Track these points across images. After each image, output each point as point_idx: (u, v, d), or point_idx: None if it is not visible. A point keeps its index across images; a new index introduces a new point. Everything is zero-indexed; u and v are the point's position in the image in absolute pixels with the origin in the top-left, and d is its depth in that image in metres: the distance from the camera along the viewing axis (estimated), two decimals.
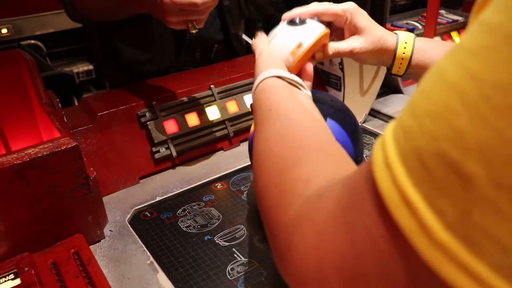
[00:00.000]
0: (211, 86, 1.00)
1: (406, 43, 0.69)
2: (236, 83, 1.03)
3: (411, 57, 0.69)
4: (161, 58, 1.12)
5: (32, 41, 2.59)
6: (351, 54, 0.70)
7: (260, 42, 0.65)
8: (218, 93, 1.00)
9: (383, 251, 0.23)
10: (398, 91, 1.31)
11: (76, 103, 1.91)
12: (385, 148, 0.23)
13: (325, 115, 0.72)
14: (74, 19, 1.10)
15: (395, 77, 0.74)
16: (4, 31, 2.69)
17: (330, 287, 0.26)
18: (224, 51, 1.22)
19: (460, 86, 0.19)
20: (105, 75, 1.26)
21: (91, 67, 2.98)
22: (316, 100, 0.75)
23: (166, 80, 1.03)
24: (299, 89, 0.55)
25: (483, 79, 0.19)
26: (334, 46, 0.69)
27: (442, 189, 0.19)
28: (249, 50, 1.30)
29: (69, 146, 0.66)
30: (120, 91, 1.01)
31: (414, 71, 0.70)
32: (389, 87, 1.32)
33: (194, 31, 0.82)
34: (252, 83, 1.01)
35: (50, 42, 2.88)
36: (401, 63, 0.69)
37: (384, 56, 0.70)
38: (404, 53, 0.69)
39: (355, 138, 0.73)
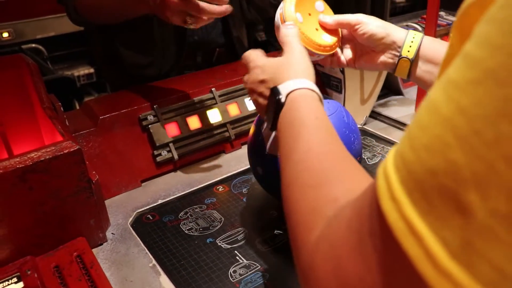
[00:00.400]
0: (212, 89, 1.00)
1: (413, 37, 0.70)
2: (237, 86, 1.03)
3: (418, 48, 0.70)
4: (163, 61, 1.13)
5: (33, 45, 2.60)
6: (358, 30, 0.73)
7: (293, 38, 0.64)
8: (219, 96, 1.00)
9: (395, 276, 0.24)
10: (399, 92, 1.32)
11: (78, 107, 1.91)
12: (388, 178, 0.24)
13: None
14: (75, 22, 1.10)
15: (398, 76, 0.75)
16: (5, 35, 2.70)
17: None
18: (226, 55, 1.23)
19: (452, 120, 0.21)
20: (106, 78, 1.27)
21: (92, 70, 2.99)
22: None
23: (167, 83, 1.04)
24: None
25: (471, 113, 0.20)
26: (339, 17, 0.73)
27: (445, 220, 0.21)
28: None
29: (71, 149, 0.66)
30: (122, 95, 1.01)
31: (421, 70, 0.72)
32: (390, 89, 1.33)
33: (191, 27, 0.83)
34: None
35: (51, 46, 2.89)
36: (408, 51, 0.71)
37: (390, 48, 0.71)
38: (412, 41, 0.70)
39: (351, 141, 0.73)
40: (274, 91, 0.55)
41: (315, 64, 1.15)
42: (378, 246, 0.25)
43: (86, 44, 3.03)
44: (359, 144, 0.76)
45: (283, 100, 0.53)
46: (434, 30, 1.21)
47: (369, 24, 0.73)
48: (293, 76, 0.55)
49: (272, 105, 0.55)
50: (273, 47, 2.52)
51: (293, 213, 0.38)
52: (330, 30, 0.74)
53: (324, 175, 0.38)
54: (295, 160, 0.43)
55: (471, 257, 0.20)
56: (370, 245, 0.25)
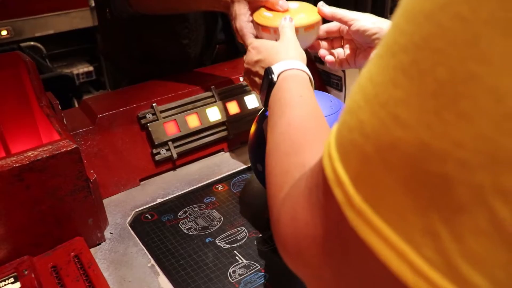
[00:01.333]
0: (212, 87, 1.00)
1: None
2: (237, 84, 1.03)
3: None
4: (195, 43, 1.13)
5: (32, 43, 2.59)
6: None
7: (288, 28, 0.72)
8: (219, 94, 0.99)
9: (329, 218, 0.28)
10: None
11: (76, 105, 1.90)
12: (329, 138, 0.28)
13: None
14: (119, 13, 1.06)
15: None
16: (4, 33, 2.69)
17: (304, 255, 0.31)
18: (226, 51, 1.22)
19: (364, 86, 0.24)
20: (123, 72, 1.23)
21: (91, 68, 2.99)
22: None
23: (166, 81, 1.03)
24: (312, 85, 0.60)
25: (375, 80, 0.24)
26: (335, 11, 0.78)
27: (355, 166, 0.25)
28: None
29: (69, 148, 0.65)
30: (120, 93, 1.00)
31: None
32: None
33: None
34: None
35: (50, 44, 2.88)
36: None
37: None
38: None
39: None
40: (268, 71, 0.60)
41: (315, 61, 1.15)
42: (320, 195, 0.29)
43: (85, 42, 3.03)
44: None
45: (275, 79, 0.59)
46: None
47: (362, 20, 0.75)
48: (286, 58, 0.62)
49: (266, 83, 0.61)
50: None
51: (269, 177, 0.43)
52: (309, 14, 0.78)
53: (298, 144, 0.44)
54: (276, 133, 0.48)
55: (377, 200, 0.23)
56: (315, 195, 0.30)
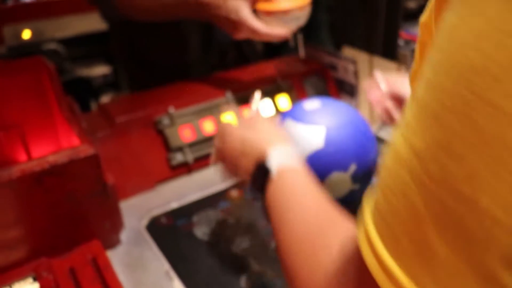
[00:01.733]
0: (227, 92, 1.01)
1: None
2: (252, 90, 1.03)
3: None
4: (188, 57, 1.16)
5: (52, 46, 2.63)
6: None
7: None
8: (234, 99, 1.01)
9: None
10: None
11: (94, 107, 1.93)
12: (365, 221, 0.26)
13: (339, 126, 0.72)
14: (108, 19, 1.11)
15: None
16: (26, 34, 2.75)
17: None
18: (236, 57, 1.24)
19: (408, 161, 0.22)
20: (127, 76, 1.29)
21: (109, 70, 3.02)
22: (330, 109, 0.76)
23: (182, 86, 1.04)
24: None
25: (422, 154, 0.21)
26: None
27: (412, 259, 0.22)
28: (261, 55, 1.32)
29: (88, 154, 0.67)
30: (137, 97, 1.02)
31: None
32: None
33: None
34: (267, 91, 1.02)
35: (70, 45, 2.92)
36: None
37: None
38: None
39: (367, 150, 0.73)
40: (262, 167, 0.57)
41: (329, 69, 1.15)
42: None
43: (104, 43, 3.07)
44: (375, 152, 0.75)
45: (274, 174, 0.55)
46: None
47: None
48: (274, 144, 0.59)
49: (260, 177, 0.57)
50: (285, 50, 2.52)
51: (290, 259, 0.42)
52: None
53: (319, 226, 0.43)
54: (286, 232, 0.46)
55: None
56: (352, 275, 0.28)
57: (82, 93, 1.80)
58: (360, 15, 1.18)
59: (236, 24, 0.92)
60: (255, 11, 0.93)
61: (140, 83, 1.25)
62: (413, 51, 1.22)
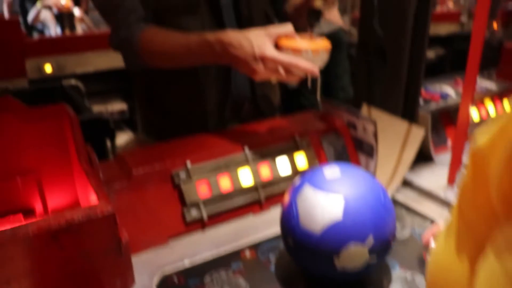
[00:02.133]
0: (245, 148, 1.01)
1: None
2: (270, 147, 1.04)
3: None
4: (205, 108, 1.17)
5: (73, 82, 2.69)
6: None
7: None
8: (252, 156, 1.01)
9: None
10: (429, 158, 1.29)
11: (110, 146, 1.95)
12: None
13: (358, 197, 0.71)
14: (131, 67, 1.14)
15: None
16: (48, 68, 2.82)
17: None
18: (253, 110, 1.25)
19: None
20: (143, 120, 1.31)
21: (125, 107, 3.07)
22: (350, 178, 0.75)
23: (200, 139, 1.05)
24: None
25: None
26: None
27: None
28: (278, 110, 1.34)
29: (106, 213, 0.67)
30: (155, 148, 1.03)
31: None
32: (420, 155, 1.30)
33: (275, 82, 0.91)
34: (285, 148, 1.02)
35: (89, 81, 2.99)
36: None
37: None
38: None
39: (385, 222, 0.72)
40: None
41: (348, 127, 1.15)
42: None
43: (121, 81, 3.13)
44: (394, 224, 0.74)
45: None
46: (471, 96, 1.18)
47: None
48: None
49: None
50: (304, 97, 2.54)
51: None
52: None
53: None
54: None
55: None
56: None
57: (99, 133, 1.82)
58: (381, 74, 1.19)
59: (259, 60, 0.92)
60: (276, 48, 0.95)
61: (156, 129, 1.27)
62: (433, 113, 1.21)
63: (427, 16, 1.09)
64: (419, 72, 1.16)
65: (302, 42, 0.94)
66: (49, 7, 3.35)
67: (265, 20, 1.23)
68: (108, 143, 1.91)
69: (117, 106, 3.06)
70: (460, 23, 4.60)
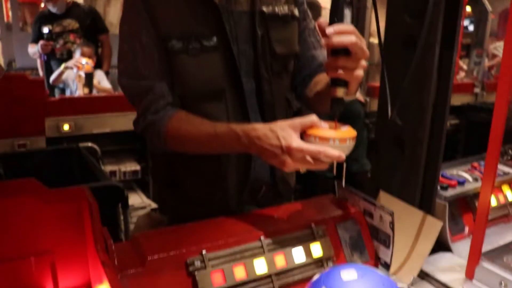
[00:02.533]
0: (261, 237, 1.00)
1: None
2: (286, 236, 1.03)
3: None
4: (224, 193, 1.18)
5: (89, 144, 2.73)
6: None
7: None
8: (268, 245, 1.00)
9: None
10: (447, 248, 1.27)
11: (121, 213, 1.95)
12: None
13: None
14: (156, 149, 1.17)
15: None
16: (66, 127, 2.88)
17: None
18: (270, 193, 1.25)
19: None
20: (162, 200, 1.33)
21: (138, 167, 3.10)
22: (367, 282, 0.74)
23: (216, 225, 1.05)
24: None
25: None
26: None
27: None
28: (295, 195, 1.35)
29: None
30: (171, 232, 1.02)
31: None
32: (436, 243, 1.28)
33: (304, 171, 1.00)
34: (301, 237, 1.01)
35: (104, 141, 3.04)
36: None
37: None
38: None
39: None
40: None
41: (365, 215, 1.15)
42: None
43: (136, 142, 3.18)
44: None
45: None
46: (492, 182, 1.15)
47: None
48: None
49: None
50: (314, 173, 2.54)
51: None
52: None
53: None
54: None
55: None
56: None
57: (112, 200, 1.83)
58: (399, 162, 1.20)
59: (286, 152, 0.94)
60: (303, 137, 0.96)
61: (172, 209, 1.27)
62: (450, 201, 1.20)
63: (445, 108, 1.11)
64: (437, 162, 1.16)
65: (328, 131, 0.95)
66: (71, 68, 3.47)
67: (286, 105, 1.26)
68: (121, 210, 1.92)
69: (130, 166, 3.09)
70: (474, 94, 4.67)
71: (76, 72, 3.41)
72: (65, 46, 3.86)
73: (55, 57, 3.87)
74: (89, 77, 3.42)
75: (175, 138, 1.10)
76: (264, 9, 1.17)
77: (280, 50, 1.20)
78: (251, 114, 1.17)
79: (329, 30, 0.92)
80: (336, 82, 0.98)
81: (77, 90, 3.34)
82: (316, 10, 3.29)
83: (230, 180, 1.19)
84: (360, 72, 0.96)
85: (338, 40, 0.91)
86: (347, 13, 0.96)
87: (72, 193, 0.94)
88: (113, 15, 8.95)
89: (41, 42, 3.79)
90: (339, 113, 1.00)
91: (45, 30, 3.78)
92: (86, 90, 3.30)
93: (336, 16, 0.95)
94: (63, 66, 3.48)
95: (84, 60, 3.44)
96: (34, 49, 3.91)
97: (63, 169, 2.36)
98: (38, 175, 2.32)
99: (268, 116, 1.19)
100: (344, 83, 0.97)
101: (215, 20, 1.12)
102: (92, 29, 3.95)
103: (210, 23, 1.11)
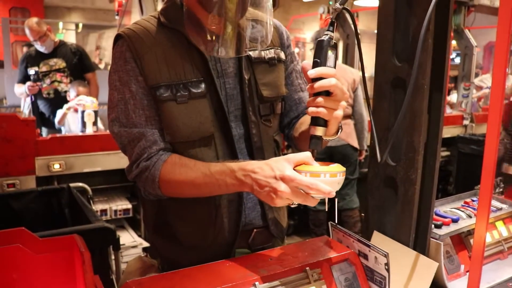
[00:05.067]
0: (256, 283, 0.99)
1: None
2: (281, 280, 1.01)
3: None
4: (215, 239, 1.18)
5: (80, 184, 2.71)
6: None
7: None
8: None
9: None
10: (443, 286, 1.26)
11: (113, 255, 1.91)
12: None
13: None
14: (148, 195, 1.16)
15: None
16: (57, 166, 2.86)
17: None
18: (262, 235, 1.25)
19: None
20: (154, 245, 1.31)
21: (129, 206, 3.07)
22: None
23: (210, 271, 1.03)
24: None
25: None
26: None
27: None
28: (291, 234, 1.34)
29: None
30: (163, 279, 1.00)
31: None
32: (433, 283, 1.27)
33: (294, 205, 1.02)
34: (295, 281, 1.00)
35: (95, 179, 3.02)
36: None
37: None
38: None
39: None
40: None
41: (360, 256, 1.14)
42: None
43: (127, 180, 3.16)
44: None
45: None
46: (487, 218, 1.15)
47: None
48: None
49: None
50: (305, 206, 2.54)
51: None
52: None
53: None
54: None
55: None
56: None
57: (104, 242, 1.80)
58: (392, 203, 1.20)
59: (279, 180, 0.95)
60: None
61: (163, 253, 1.26)
62: (445, 240, 1.19)
63: (437, 147, 1.12)
64: (430, 201, 1.17)
65: (319, 167, 0.98)
66: (73, 108, 3.44)
67: (275, 146, 1.27)
68: (112, 252, 1.89)
69: (121, 205, 3.06)
70: (463, 126, 4.74)
71: (83, 112, 3.35)
72: (51, 85, 3.85)
73: (42, 96, 3.87)
74: (95, 115, 3.40)
75: (170, 182, 1.09)
76: (251, 53, 1.19)
77: (267, 93, 1.22)
78: (240, 158, 1.17)
79: (311, 73, 0.97)
80: (315, 121, 1.02)
81: (87, 128, 3.29)
82: None
83: (222, 225, 1.18)
84: (339, 113, 1.01)
85: (318, 85, 0.97)
86: (330, 55, 0.99)
87: (63, 242, 0.93)
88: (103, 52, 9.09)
89: (28, 84, 3.78)
90: (317, 151, 1.02)
91: (31, 71, 3.77)
92: (95, 128, 3.28)
93: (319, 58, 0.99)
94: (65, 107, 3.47)
95: (89, 99, 3.43)
96: (21, 89, 3.90)
97: (54, 209, 2.32)
98: (28, 216, 2.29)
99: (257, 158, 1.20)
100: (324, 122, 1.01)
101: (202, 67, 1.14)
102: (78, 68, 3.95)
103: (197, 70, 1.14)
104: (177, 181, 1.09)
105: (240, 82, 1.19)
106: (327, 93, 0.98)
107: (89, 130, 3.25)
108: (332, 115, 0.99)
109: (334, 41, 1.00)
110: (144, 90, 1.11)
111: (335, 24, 1.01)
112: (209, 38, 1.06)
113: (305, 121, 1.27)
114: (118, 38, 1.14)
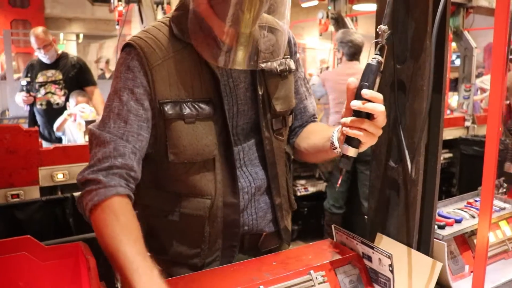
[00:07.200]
0: (261, 286, 0.99)
1: None
2: (286, 283, 1.02)
3: None
4: (208, 253, 1.16)
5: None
6: None
7: None
8: None
9: None
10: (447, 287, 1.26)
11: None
12: None
13: None
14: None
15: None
16: (60, 176, 2.86)
17: None
18: (271, 239, 1.25)
19: None
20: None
21: None
22: None
23: (215, 275, 1.04)
24: None
25: None
26: None
27: None
28: (295, 239, 1.35)
29: None
30: (169, 286, 1.01)
31: None
32: (437, 284, 1.27)
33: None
34: (301, 284, 1.00)
35: None
36: None
37: None
38: None
39: None
40: None
41: (364, 258, 1.14)
42: None
43: None
44: None
45: None
46: (489, 218, 1.16)
47: None
48: None
49: None
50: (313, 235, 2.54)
51: None
52: None
53: None
54: None
55: None
56: None
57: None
58: (395, 204, 1.20)
59: None
60: None
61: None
62: (448, 240, 1.19)
63: (438, 148, 1.12)
64: (433, 202, 1.17)
65: None
66: (73, 115, 3.45)
67: (286, 158, 1.28)
68: None
69: None
70: (465, 127, 4.74)
71: (77, 120, 3.38)
72: (45, 97, 3.84)
73: (36, 106, 3.87)
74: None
75: (96, 221, 0.96)
76: (263, 65, 1.14)
77: (280, 108, 1.20)
78: (252, 170, 1.19)
79: (366, 93, 0.95)
80: (350, 141, 1.00)
81: (78, 138, 3.30)
82: None
83: (219, 239, 1.18)
84: (375, 139, 1.00)
85: (372, 107, 0.95)
86: (377, 81, 0.99)
87: (68, 249, 0.93)
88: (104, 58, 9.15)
89: (22, 94, 3.78)
90: (345, 170, 1.03)
91: (23, 82, 3.77)
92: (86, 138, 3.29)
93: (367, 81, 0.98)
94: (66, 113, 3.48)
95: (89, 109, 3.44)
96: (19, 99, 3.92)
97: (58, 219, 2.33)
98: (32, 226, 2.28)
99: (271, 172, 1.20)
100: (358, 144, 1.00)
101: (212, 86, 1.11)
102: (75, 81, 3.91)
103: (206, 89, 1.10)
104: (100, 228, 0.95)
105: (252, 97, 1.17)
106: (367, 116, 0.97)
107: (80, 140, 3.24)
108: (372, 139, 0.99)
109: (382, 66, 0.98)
110: (135, 103, 1.05)
111: (385, 48, 0.99)
112: (224, 49, 1.01)
113: (314, 131, 1.27)
114: (127, 46, 1.08)
